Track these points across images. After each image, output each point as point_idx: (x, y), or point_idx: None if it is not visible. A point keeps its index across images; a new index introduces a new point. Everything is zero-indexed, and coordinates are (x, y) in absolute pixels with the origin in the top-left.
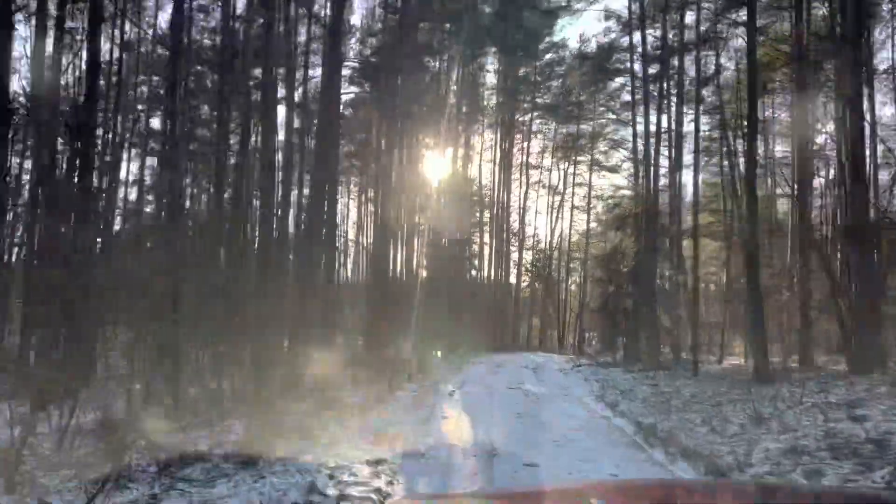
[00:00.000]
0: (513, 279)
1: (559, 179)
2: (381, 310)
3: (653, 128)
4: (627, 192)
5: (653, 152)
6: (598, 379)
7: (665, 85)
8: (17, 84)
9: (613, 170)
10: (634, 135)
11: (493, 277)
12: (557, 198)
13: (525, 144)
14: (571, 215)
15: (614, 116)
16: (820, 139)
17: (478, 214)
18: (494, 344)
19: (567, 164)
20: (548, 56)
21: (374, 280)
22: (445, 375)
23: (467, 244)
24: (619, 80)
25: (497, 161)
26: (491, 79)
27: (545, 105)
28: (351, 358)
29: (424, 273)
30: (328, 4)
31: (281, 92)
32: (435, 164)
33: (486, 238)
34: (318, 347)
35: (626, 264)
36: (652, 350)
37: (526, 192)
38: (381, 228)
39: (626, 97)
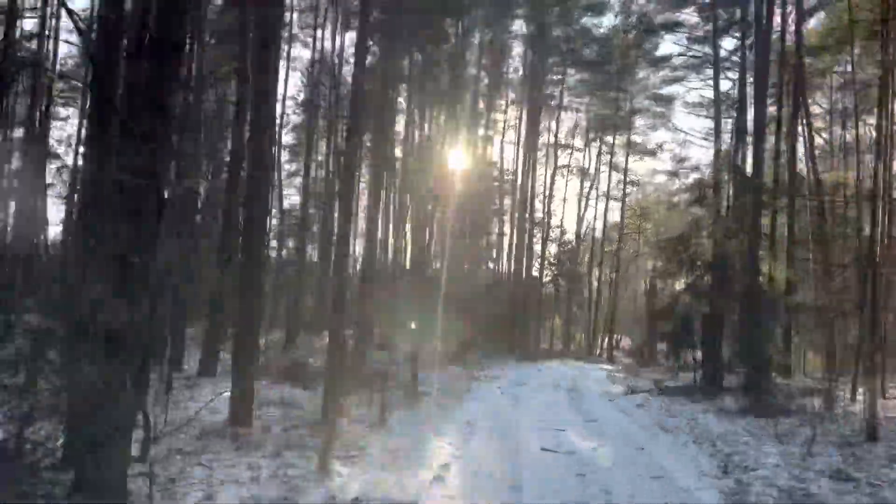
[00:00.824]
0: (536, 273)
1: (590, 162)
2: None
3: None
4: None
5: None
6: (686, 427)
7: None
8: None
9: (652, 153)
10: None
11: (513, 271)
12: (587, 184)
13: (553, 123)
14: (606, 204)
15: (658, 86)
16: None
17: (498, 202)
18: (512, 347)
19: (600, 144)
20: (583, 20)
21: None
22: (443, 406)
23: (485, 234)
24: (669, 39)
25: (521, 142)
26: (518, 49)
27: (583, 63)
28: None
29: (438, 265)
30: None
31: None
32: (451, 143)
33: (507, 228)
34: None
35: (704, 252)
36: (759, 377)
37: (553, 178)
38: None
39: (678, 60)
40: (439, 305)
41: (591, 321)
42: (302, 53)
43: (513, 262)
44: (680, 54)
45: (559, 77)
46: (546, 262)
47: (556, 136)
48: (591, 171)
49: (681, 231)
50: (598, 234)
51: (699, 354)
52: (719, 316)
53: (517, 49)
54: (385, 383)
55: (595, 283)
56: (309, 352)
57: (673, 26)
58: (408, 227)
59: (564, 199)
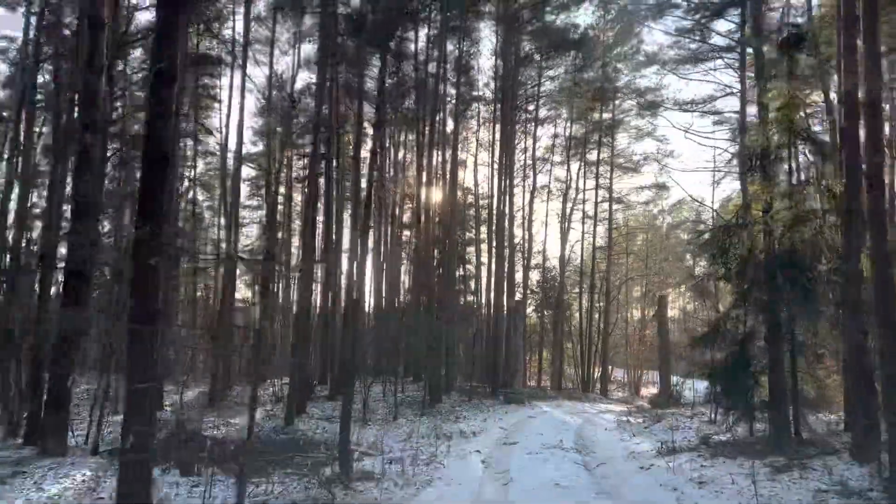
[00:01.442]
0: (518, 303)
1: (571, 180)
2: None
3: None
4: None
5: None
6: None
7: None
8: None
9: (635, 169)
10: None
11: (492, 303)
12: (569, 205)
13: (530, 141)
14: (594, 226)
15: (643, 92)
16: None
17: (473, 228)
18: (496, 388)
19: (581, 161)
20: (559, 17)
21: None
22: (389, 499)
23: (461, 263)
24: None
25: (495, 163)
26: (487, 62)
27: (560, 65)
28: None
29: (403, 298)
30: None
31: None
32: (416, 167)
33: (485, 258)
34: None
35: (762, 248)
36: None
37: (531, 198)
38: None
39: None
40: (403, 343)
41: (584, 354)
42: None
43: (492, 292)
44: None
45: (533, 87)
46: (529, 291)
47: (533, 153)
48: (573, 190)
49: (734, 209)
50: (586, 257)
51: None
52: (790, 337)
53: (487, 62)
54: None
55: (583, 312)
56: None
57: (667, 6)
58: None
59: (546, 223)
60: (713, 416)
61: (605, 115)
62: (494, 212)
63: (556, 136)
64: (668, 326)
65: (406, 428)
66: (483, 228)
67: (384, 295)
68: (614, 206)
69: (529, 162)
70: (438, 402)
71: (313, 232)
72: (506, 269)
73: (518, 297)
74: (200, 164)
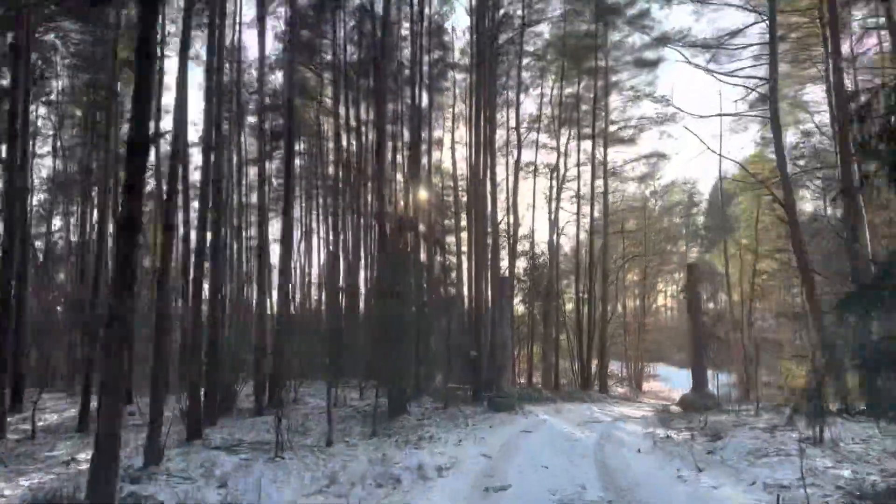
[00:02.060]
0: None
1: (559, 156)
2: None
3: None
4: None
5: None
6: None
7: None
8: None
9: (632, 140)
10: None
11: (473, 294)
12: (558, 184)
13: (511, 112)
14: (591, 204)
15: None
16: None
17: (453, 215)
18: (479, 390)
19: (570, 131)
20: None
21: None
22: None
23: (436, 248)
24: None
25: (473, 135)
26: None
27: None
28: None
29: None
30: None
31: None
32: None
33: (467, 247)
34: None
35: None
36: None
37: (516, 177)
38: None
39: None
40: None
41: (582, 346)
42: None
43: (472, 283)
44: None
45: (516, 51)
46: (516, 280)
47: (517, 124)
48: (562, 165)
49: None
50: (582, 239)
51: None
52: None
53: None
54: None
55: (580, 299)
56: None
57: None
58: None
59: (533, 205)
60: (810, 431)
61: (599, 73)
62: (472, 188)
63: (542, 103)
64: (701, 304)
65: (338, 461)
66: (465, 216)
67: (343, 284)
68: (609, 183)
69: (513, 138)
70: (402, 414)
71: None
72: (488, 257)
73: (504, 270)
74: None
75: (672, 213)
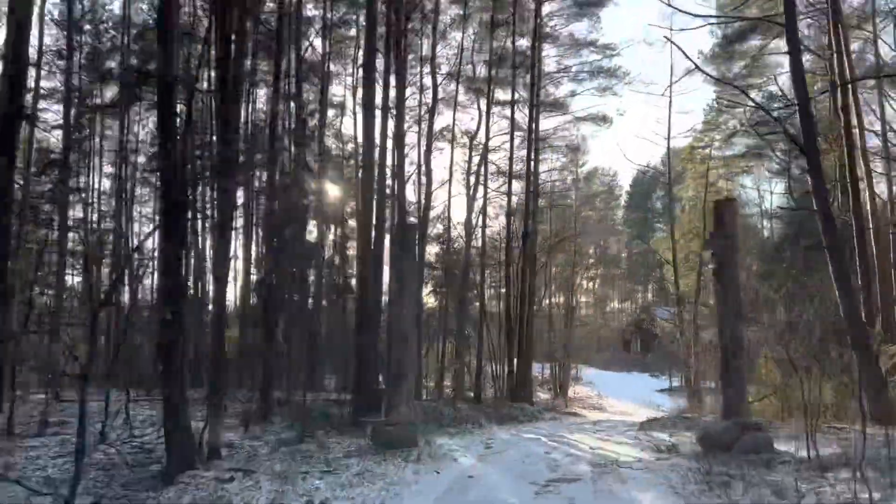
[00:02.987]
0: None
1: (481, 122)
2: None
3: None
4: None
5: None
6: None
7: None
8: None
9: (561, 106)
10: None
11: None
12: (477, 155)
13: (427, 69)
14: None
15: None
16: None
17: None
18: (360, 404)
19: (490, 95)
20: None
21: None
22: None
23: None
24: None
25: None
26: None
27: None
28: None
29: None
30: None
31: None
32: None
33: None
34: None
35: None
36: None
37: (428, 146)
38: None
39: None
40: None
41: (512, 348)
42: None
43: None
44: None
45: None
46: (427, 268)
47: (434, 79)
48: (482, 133)
49: None
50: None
51: None
52: None
53: None
54: None
55: (511, 287)
56: None
57: None
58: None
59: (449, 180)
60: None
61: (529, 19)
62: (367, 149)
63: (461, 57)
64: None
65: None
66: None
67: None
68: (539, 155)
69: (429, 99)
70: (214, 460)
71: None
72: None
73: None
74: None
75: (592, 204)
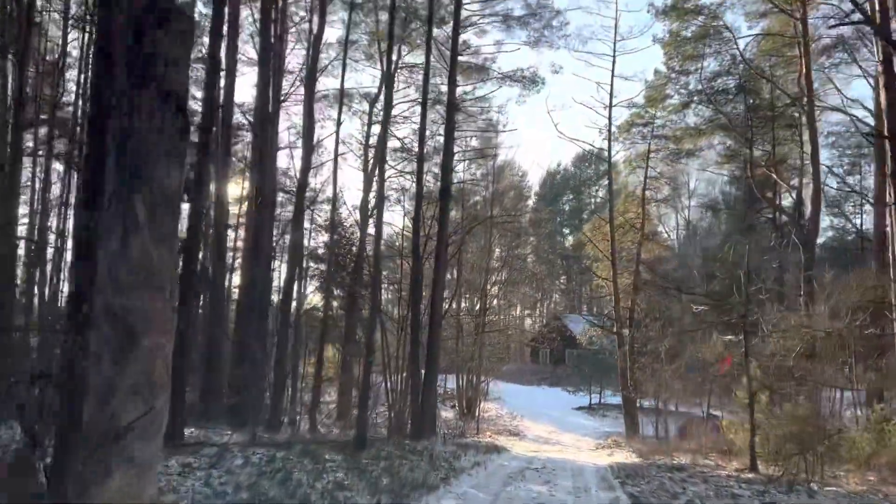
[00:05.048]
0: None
1: (381, 87)
2: None
3: None
4: None
5: None
6: None
7: None
8: None
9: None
10: None
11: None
12: (383, 129)
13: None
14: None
15: None
16: None
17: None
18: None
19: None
20: None
21: None
22: None
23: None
24: None
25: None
26: None
27: None
28: None
29: None
30: None
31: None
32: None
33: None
34: None
35: None
36: None
37: (310, 120)
38: None
39: None
40: None
41: (418, 358)
42: None
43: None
44: None
45: None
46: (312, 260)
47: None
48: (381, 100)
49: None
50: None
51: None
52: None
53: None
54: None
55: (412, 290)
56: None
57: None
58: None
59: (335, 158)
60: None
61: None
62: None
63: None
64: None
65: None
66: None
67: None
68: (454, 127)
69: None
70: None
71: None
72: (266, 227)
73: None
74: None
75: (501, 203)
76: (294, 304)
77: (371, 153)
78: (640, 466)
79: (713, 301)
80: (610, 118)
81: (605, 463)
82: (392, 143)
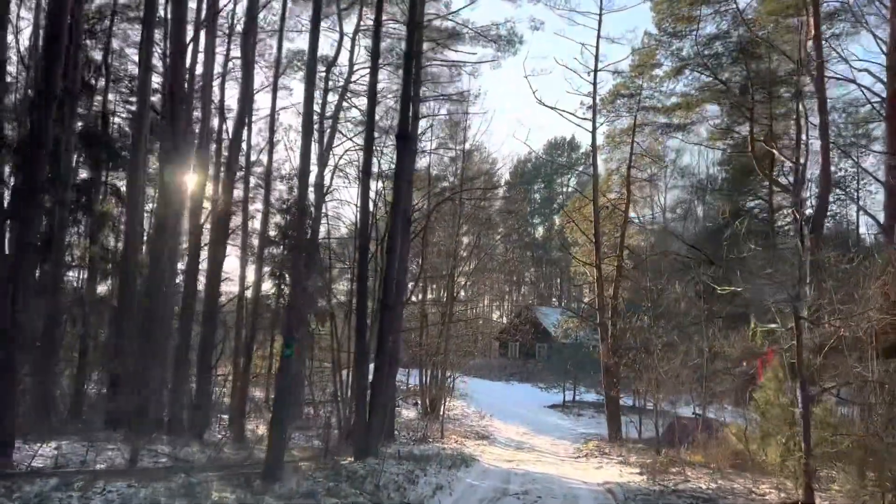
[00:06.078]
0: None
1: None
2: None
3: None
4: None
5: None
6: None
7: None
8: None
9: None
10: None
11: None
12: (342, 93)
13: None
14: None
15: None
16: None
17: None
18: None
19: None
20: None
21: None
22: None
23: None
24: None
25: None
26: None
27: None
28: None
29: None
30: None
31: None
32: None
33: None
34: None
35: None
36: None
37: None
38: None
39: None
40: None
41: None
42: None
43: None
44: None
45: None
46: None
47: None
48: (344, 64)
49: None
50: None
51: None
52: None
53: None
54: None
55: (379, 277)
56: None
57: None
58: None
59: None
60: None
61: None
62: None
63: None
64: None
65: None
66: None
67: None
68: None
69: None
70: None
71: None
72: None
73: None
74: None
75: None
76: (237, 290)
77: (328, 125)
78: (651, 494)
79: (758, 276)
80: (595, 83)
81: (598, 481)
82: (353, 113)
